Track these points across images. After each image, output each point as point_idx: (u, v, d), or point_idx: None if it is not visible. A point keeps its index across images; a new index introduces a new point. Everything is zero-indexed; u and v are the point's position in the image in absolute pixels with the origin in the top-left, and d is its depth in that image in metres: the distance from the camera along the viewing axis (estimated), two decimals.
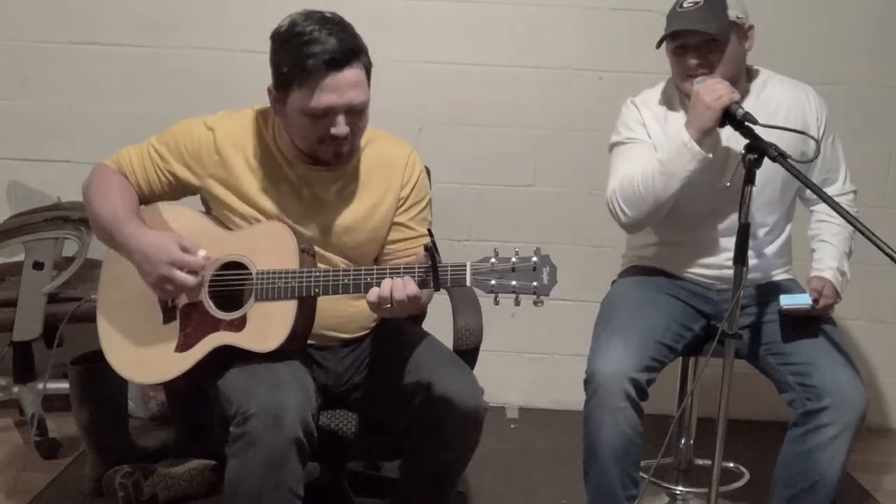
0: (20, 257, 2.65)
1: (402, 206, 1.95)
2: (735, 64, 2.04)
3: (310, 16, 1.75)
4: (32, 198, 3.01)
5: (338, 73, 1.71)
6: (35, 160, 3.06)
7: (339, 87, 1.72)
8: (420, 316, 2.12)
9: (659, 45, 2.06)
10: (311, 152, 1.83)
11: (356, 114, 1.77)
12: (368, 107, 1.81)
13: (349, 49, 1.72)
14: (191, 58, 2.99)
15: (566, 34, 2.99)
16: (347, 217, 1.90)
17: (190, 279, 1.74)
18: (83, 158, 2.98)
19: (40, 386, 2.80)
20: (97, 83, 3.02)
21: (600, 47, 2.98)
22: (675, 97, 2.13)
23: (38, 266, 2.60)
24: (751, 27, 2.06)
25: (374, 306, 1.69)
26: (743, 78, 2.10)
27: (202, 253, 1.76)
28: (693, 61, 2.01)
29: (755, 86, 2.12)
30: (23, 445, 2.74)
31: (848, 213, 1.77)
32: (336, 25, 1.74)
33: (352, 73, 1.73)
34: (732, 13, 1.99)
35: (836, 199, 2.06)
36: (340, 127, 1.76)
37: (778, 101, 2.10)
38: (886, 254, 1.65)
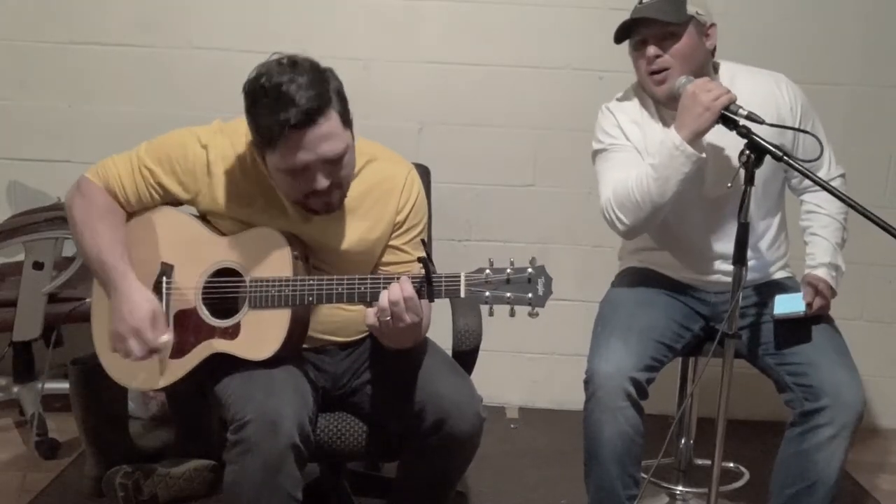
0: (20, 257, 2.65)
1: (398, 229, 1.91)
2: (695, 59, 2.01)
3: (277, 65, 1.67)
4: (32, 198, 3.02)
5: (306, 131, 1.64)
6: (35, 160, 3.06)
7: (309, 145, 1.65)
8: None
9: (619, 40, 2.04)
10: (300, 205, 1.79)
11: (335, 163, 1.71)
12: (353, 150, 1.76)
13: (315, 106, 1.63)
14: (191, 58, 2.99)
15: (566, 34, 2.99)
16: (340, 239, 1.87)
17: (138, 352, 1.73)
18: (83, 158, 2.98)
19: (40, 386, 2.80)
20: (97, 83, 3.02)
21: (600, 47, 2.97)
22: (646, 99, 2.12)
23: (38, 266, 2.60)
24: (712, 25, 2.04)
25: (379, 314, 1.66)
26: (710, 74, 2.08)
27: (164, 337, 1.75)
28: (652, 49, 1.98)
29: (722, 81, 2.07)
30: (23, 445, 2.74)
31: (848, 197, 1.75)
32: (304, 75, 1.65)
33: (321, 128, 1.65)
34: (692, 8, 1.99)
35: None
36: (320, 181, 1.70)
37: (749, 96, 2.01)
38: (883, 227, 1.64)
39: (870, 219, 1.67)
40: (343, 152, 1.71)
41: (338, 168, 1.73)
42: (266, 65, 1.69)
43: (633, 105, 2.13)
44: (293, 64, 1.67)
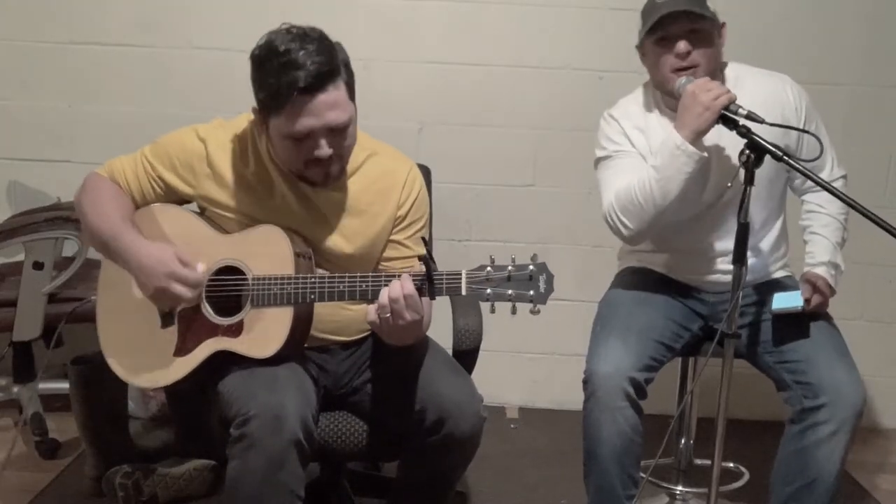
0: (20, 257, 2.65)
1: (399, 224, 1.92)
2: (716, 58, 2.02)
3: (287, 33, 1.69)
4: (32, 198, 3.02)
5: (314, 96, 1.66)
6: (35, 160, 3.06)
7: (316, 110, 1.68)
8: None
9: (643, 34, 2.02)
10: (299, 174, 1.81)
11: (339, 133, 1.73)
12: (355, 122, 1.77)
13: (325, 71, 1.66)
14: (191, 58, 2.99)
15: (566, 34, 2.99)
16: (342, 232, 1.87)
17: (187, 292, 1.73)
18: (83, 158, 2.99)
19: (40, 386, 2.81)
20: (97, 83, 3.02)
21: (600, 47, 2.98)
22: (653, 103, 2.12)
23: (38, 266, 2.60)
24: (723, 24, 2.05)
25: (379, 311, 1.66)
26: (719, 75, 2.08)
27: (200, 267, 1.76)
28: (683, 44, 1.96)
29: (728, 81, 2.08)
30: (23, 445, 2.74)
31: (849, 197, 1.75)
32: (313, 43, 1.68)
33: (329, 95, 1.68)
34: (712, 6, 1.99)
35: None
36: (323, 149, 1.72)
37: (753, 96, 2.02)
38: (884, 227, 1.64)
39: (870, 218, 1.67)
40: (348, 122, 1.73)
41: (341, 138, 1.74)
42: (275, 32, 1.71)
43: (638, 112, 2.13)
44: (303, 33, 1.70)
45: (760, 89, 2.08)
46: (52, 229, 2.60)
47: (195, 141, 1.85)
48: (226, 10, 2.97)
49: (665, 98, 2.09)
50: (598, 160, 2.15)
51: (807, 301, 2.00)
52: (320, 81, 1.66)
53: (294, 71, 1.64)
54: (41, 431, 2.66)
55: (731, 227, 1.86)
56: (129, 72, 3.01)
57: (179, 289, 1.73)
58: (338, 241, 1.87)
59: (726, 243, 1.92)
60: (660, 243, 2.18)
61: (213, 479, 2.42)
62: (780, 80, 2.13)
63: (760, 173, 1.97)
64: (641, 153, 2.08)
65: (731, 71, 2.12)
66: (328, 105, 1.69)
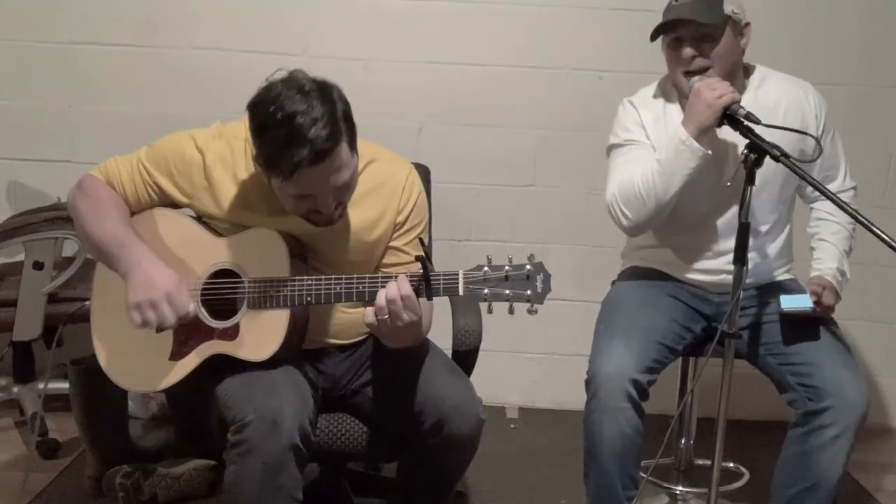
0: (20, 257, 2.65)
1: (398, 230, 1.90)
2: (730, 59, 2.02)
3: (288, 88, 1.62)
4: (32, 198, 3.02)
5: (317, 166, 1.62)
6: (35, 160, 3.06)
7: (319, 178, 1.65)
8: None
9: (654, 37, 2.04)
10: (301, 217, 1.79)
11: (341, 189, 1.72)
12: (357, 169, 1.75)
13: (327, 147, 1.61)
14: (191, 58, 2.99)
15: (566, 34, 2.99)
16: (341, 240, 1.86)
17: (172, 318, 1.71)
18: (83, 158, 2.99)
19: (40, 386, 2.81)
20: (97, 83, 3.02)
21: (600, 47, 2.98)
22: (673, 95, 2.12)
23: (38, 266, 2.60)
24: (747, 24, 2.05)
25: (377, 313, 1.66)
26: (740, 75, 2.10)
27: (192, 307, 1.74)
28: (688, 51, 1.98)
29: (752, 83, 2.11)
30: (23, 445, 2.74)
31: (851, 207, 1.75)
32: (315, 106, 1.61)
33: (332, 163, 1.65)
34: (728, 7, 1.99)
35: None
36: (327, 207, 1.72)
37: (776, 100, 2.08)
38: (888, 243, 1.63)
39: (873, 232, 1.64)
40: (350, 179, 1.72)
41: (343, 192, 1.74)
42: (274, 88, 1.65)
43: (658, 102, 2.14)
44: (302, 90, 1.63)
45: (783, 92, 2.10)
46: (52, 229, 2.60)
47: (193, 151, 1.83)
48: (226, 10, 2.97)
49: (678, 93, 2.10)
50: (610, 147, 2.16)
51: (815, 303, 2.00)
52: (322, 156, 1.62)
53: (298, 147, 1.59)
54: (41, 431, 2.66)
55: (736, 227, 1.86)
56: (129, 72, 3.00)
57: (167, 309, 1.70)
58: (337, 249, 1.87)
59: (731, 243, 1.92)
60: (665, 241, 2.18)
61: (213, 479, 2.42)
62: (803, 86, 2.15)
63: (773, 177, 1.99)
64: (656, 144, 2.07)
65: (758, 73, 2.13)
66: (330, 172, 1.66)
